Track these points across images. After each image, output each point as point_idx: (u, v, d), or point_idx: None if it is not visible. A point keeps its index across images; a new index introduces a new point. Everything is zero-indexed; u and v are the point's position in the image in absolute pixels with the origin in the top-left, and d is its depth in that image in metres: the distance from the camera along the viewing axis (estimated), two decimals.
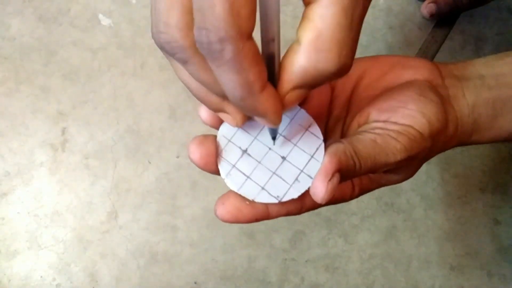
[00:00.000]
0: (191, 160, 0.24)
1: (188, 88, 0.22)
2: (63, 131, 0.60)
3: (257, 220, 0.24)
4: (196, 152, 0.24)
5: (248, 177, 0.24)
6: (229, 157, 0.24)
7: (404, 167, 0.27)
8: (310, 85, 0.20)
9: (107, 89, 0.62)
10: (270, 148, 0.24)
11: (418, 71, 0.27)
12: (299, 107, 0.26)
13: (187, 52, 0.18)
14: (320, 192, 0.22)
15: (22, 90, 0.61)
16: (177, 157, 0.60)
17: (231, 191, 0.24)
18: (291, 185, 0.24)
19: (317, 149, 0.24)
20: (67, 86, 0.61)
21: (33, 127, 0.60)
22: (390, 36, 0.65)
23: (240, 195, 0.23)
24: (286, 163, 0.24)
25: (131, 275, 0.57)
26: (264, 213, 0.24)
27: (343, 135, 0.29)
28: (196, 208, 0.59)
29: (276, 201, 0.23)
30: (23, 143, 0.59)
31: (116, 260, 0.57)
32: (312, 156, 0.24)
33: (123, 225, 0.58)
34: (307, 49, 0.18)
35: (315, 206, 0.25)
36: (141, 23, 0.64)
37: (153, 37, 0.20)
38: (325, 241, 0.59)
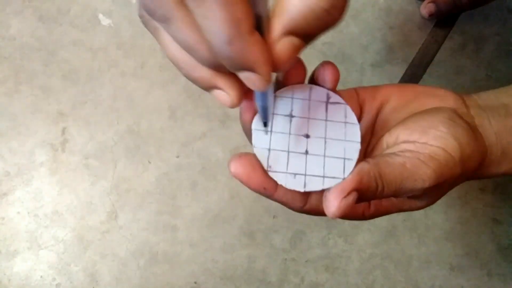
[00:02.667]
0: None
1: (177, 65, 0.20)
2: (63, 131, 0.60)
3: (264, 190, 0.23)
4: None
5: (305, 174, 0.23)
6: (279, 165, 0.23)
7: (430, 195, 0.26)
8: (304, 30, 0.18)
9: (107, 89, 0.62)
10: (307, 137, 0.24)
11: (443, 100, 0.27)
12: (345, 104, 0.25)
13: (170, 5, 0.17)
14: (332, 206, 0.21)
15: (22, 90, 0.61)
16: (177, 157, 0.60)
17: (249, 153, 0.23)
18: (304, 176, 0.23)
19: (350, 152, 0.24)
20: (67, 86, 0.61)
21: (33, 127, 0.60)
22: (390, 36, 0.65)
23: (257, 159, 0.23)
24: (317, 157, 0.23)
25: (131, 275, 0.57)
26: (272, 188, 0.23)
27: (367, 155, 0.28)
28: (196, 208, 0.59)
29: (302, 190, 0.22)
30: (23, 143, 0.59)
31: (116, 260, 0.57)
32: (344, 159, 0.23)
33: (123, 225, 0.58)
34: None
35: (317, 210, 0.25)
36: (141, 23, 0.64)
37: (140, 11, 0.19)
38: (325, 241, 0.59)
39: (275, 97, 0.24)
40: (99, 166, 0.59)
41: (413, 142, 0.24)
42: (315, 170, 0.23)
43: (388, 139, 0.26)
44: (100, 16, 0.64)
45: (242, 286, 0.57)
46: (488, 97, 0.29)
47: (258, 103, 0.22)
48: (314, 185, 0.23)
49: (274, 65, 0.18)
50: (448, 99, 0.27)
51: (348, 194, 0.21)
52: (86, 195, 0.59)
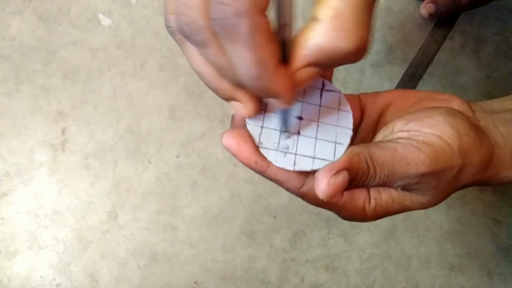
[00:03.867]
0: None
1: (200, 75, 0.21)
2: (63, 131, 0.60)
3: (255, 165, 0.23)
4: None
5: (295, 153, 0.23)
6: (270, 142, 0.23)
7: (429, 187, 0.24)
8: (324, 63, 0.19)
9: (107, 89, 0.62)
10: (300, 118, 0.24)
11: (448, 103, 0.27)
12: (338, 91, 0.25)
13: (206, 33, 0.18)
14: (321, 184, 0.21)
15: (22, 90, 0.61)
16: (177, 157, 0.60)
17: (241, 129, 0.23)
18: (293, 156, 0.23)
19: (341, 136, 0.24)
20: (67, 86, 0.61)
21: (33, 127, 0.60)
22: (390, 36, 0.65)
23: (249, 134, 0.23)
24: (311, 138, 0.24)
25: (131, 275, 0.57)
26: (264, 163, 0.23)
27: None
28: (196, 208, 0.59)
29: (291, 169, 0.23)
30: (23, 143, 0.59)
31: (116, 260, 0.57)
32: (335, 143, 0.24)
33: (123, 225, 0.58)
34: (326, 27, 0.18)
35: (315, 196, 0.24)
36: (141, 23, 0.64)
37: (167, 22, 0.20)
38: (325, 241, 0.59)
39: None
40: (99, 166, 0.59)
41: (408, 130, 0.24)
42: (306, 150, 0.23)
43: (385, 131, 0.26)
44: (100, 16, 0.64)
45: (242, 286, 0.57)
46: (493, 104, 0.29)
47: (279, 115, 0.23)
48: (303, 165, 0.23)
49: (295, 87, 0.20)
50: (453, 102, 0.27)
51: (337, 172, 0.21)
52: (86, 195, 0.59)
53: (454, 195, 0.64)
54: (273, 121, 0.23)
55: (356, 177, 0.22)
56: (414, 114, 0.25)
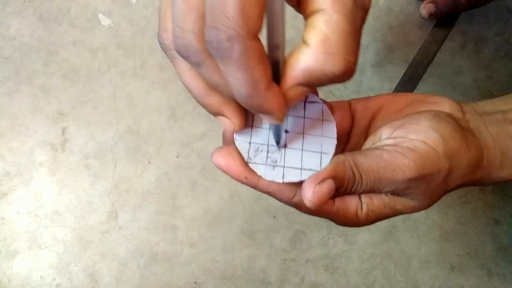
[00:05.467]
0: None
1: (189, 90, 0.23)
2: (63, 131, 0.60)
3: (246, 180, 0.24)
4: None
5: (283, 166, 0.24)
6: (258, 157, 0.25)
7: (418, 191, 0.25)
8: (313, 84, 0.20)
9: (107, 89, 0.62)
10: (286, 132, 0.25)
11: (439, 105, 0.27)
12: (322, 103, 0.26)
13: (201, 55, 0.19)
14: (307, 193, 0.22)
15: (22, 90, 0.61)
16: (177, 157, 0.60)
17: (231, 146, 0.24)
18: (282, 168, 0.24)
19: (327, 147, 0.25)
20: (67, 86, 0.61)
21: (33, 127, 0.60)
22: (390, 36, 0.65)
23: (237, 151, 0.24)
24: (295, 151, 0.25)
25: (131, 275, 0.57)
26: (254, 178, 0.24)
27: None
28: (196, 208, 0.59)
29: (280, 181, 0.24)
30: (23, 143, 0.59)
31: (116, 260, 0.57)
32: (321, 153, 0.25)
33: (123, 225, 0.58)
34: (314, 51, 0.19)
35: (309, 208, 0.25)
36: (141, 23, 0.64)
37: (160, 38, 0.21)
38: (325, 241, 0.59)
39: None
40: (99, 166, 0.59)
41: (394, 137, 0.25)
42: (294, 162, 0.24)
43: (373, 138, 0.26)
44: (100, 16, 0.64)
45: (242, 286, 0.57)
46: (485, 105, 0.29)
47: (271, 129, 0.24)
48: (292, 177, 0.24)
49: (286, 105, 0.21)
50: (443, 105, 0.27)
51: (322, 181, 0.22)
52: (86, 195, 0.59)
53: (454, 195, 0.64)
54: (260, 136, 0.25)
55: (342, 184, 0.23)
56: (401, 121, 0.25)
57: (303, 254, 0.59)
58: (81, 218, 0.58)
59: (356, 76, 0.64)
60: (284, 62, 0.20)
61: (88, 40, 0.63)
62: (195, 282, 0.57)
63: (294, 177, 0.24)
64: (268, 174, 0.24)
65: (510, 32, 0.66)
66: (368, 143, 0.27)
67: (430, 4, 0.63)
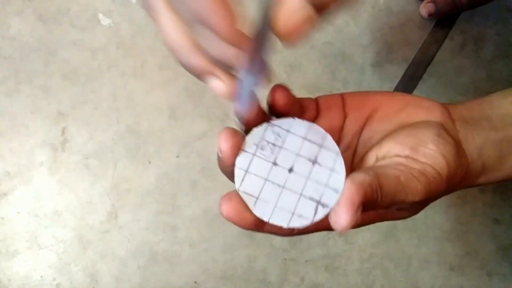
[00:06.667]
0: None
1: (174, 47, 0.21)
2: (63, 131, 0.60)
3: (255, 227, 0.24)
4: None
5: (275, 206, 0.24)
6: (250, 188, 0.24)
7: (415, 208, 0.27)
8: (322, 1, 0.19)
9: (107, 89, 0.62)
10: (289, 171, 0.24)
11: (431, 112, 0.28)
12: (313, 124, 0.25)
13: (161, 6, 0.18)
14: (343, 221, 0.21)
15: (22, 90, 0.61)
16: (177, 157, 0.60)
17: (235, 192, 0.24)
18: (293, 214, 0.24)
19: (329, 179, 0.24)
20: (67, 86, 0.61)
21: (33, 127, 0.60)
22: (390, 36, 0.65)
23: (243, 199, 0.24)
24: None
25: (131, 275, 0.57)
26: (262, 224, 0.24)
27: (354, 163, 0.29)
28: (196, 208, 0.59)
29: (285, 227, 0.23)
30: (23, 143, 0.59)
31: (116, 260, 0.57)
32: (326, 186, 0.24)
33: (123, 225, 0.58)
34: None
35: (306, 232, 0.25)
36: (141, 23, 0.64)
37: None
38: (325, 241, 0.59)
39: (271, 126, 0.25)
40: (99, 166, 0.59)
41: (405, 157, 0.25)
42: (287, 204, 0.24)
43: (378, 151, 0.26)
44: (100, 16, 0.64)
45: (242, 286, 0.57)
46: (473, 109, 0.29)
47: (244, 86, 0.22)
48: (296, 223, 0.23)
49: (288, 34, 0.19)
50: (435, 112, 0.28)
51: (358, 208, 0.21)
52: (86, 195, 0.59)
53: (454, 195, 0.64)
54: (261, 165, 0.24)
55: (366, 206, 0.23)
56: (408, 139, 0.25)
57: (303, 254, 0.59)
58: (81, 218, 0.58)
59: (356, 76, 0.64)
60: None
61: (88, 40, 0.63)
62: (195, 282, 0.57)
63: (298, 223, 0.23)
64: (259, 210, 0.24)
65: (510, 32, 0.66)
66: (372, 156, 0.26)
67: (430, 4, 0.63)
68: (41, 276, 0.56)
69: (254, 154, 0.24)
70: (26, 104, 0.61)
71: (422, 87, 0.64)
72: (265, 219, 0.23)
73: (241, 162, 0.24)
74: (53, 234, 0.57)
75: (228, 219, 0.24)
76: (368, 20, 0.65)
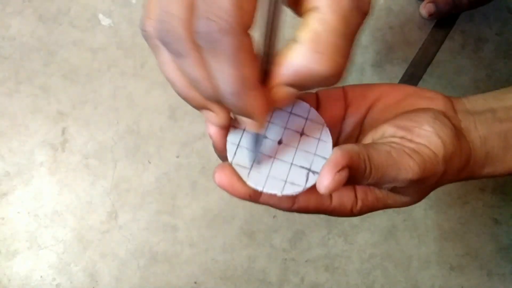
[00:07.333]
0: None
1: (172, 83, 0.22)
2: (63, 131, 0.60)
3: (249, 197, 0.24)
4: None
5: (267, 176, 0.24)
6: (242, 160, 0.25)
7: (413, 190, 0.26)
8: (300, 84, 0.19)
9: (107, 89, 0.62)
10: (279, 143, 0.25)
11: (433, 102, 0.28)
12: (309, 107, 0.26)
13: (185, 43, 0.18)
14: (326, 180, 0.21)
15: (22, 90, 0.61)
16: (177, 157, 0.60)
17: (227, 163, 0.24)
18: (285, 182, 0.24)
19: (320, 148, 0.25)
20: (67, 86, 0.61)
21: (33, 127, 0.60)
22: (390, 36, 0.65)
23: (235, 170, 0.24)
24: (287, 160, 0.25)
25: (131, 275, 0.57)
26: (257, 194, 0.24)
27: None
28: (196, 208, 0.59)
29: (279, 194, 0.24)
30: (23, 143, 0.59)
31: (116, 260, 0.57)
32: (314, 154, 0.25)
33: (123, 225, 0.58)
34: (303, 48, 0.18)
35: (306, 209, 0.25)
36: None
37: (143, 26, 0.20)
38: (325, 241, 0.59)
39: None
40: (99, 166, 0.59)
41: (400, 137, 0.25)
42: (279, 173, 0.24)
43: (374, 135, 0.26)
44: (100, 16, 0.64)
45: (242, 286, 0.57)
46: (477, 102, 0.29)
47: (248, 138, 0.24)
48: (274, 189, 0.24)
49: (270, 106, 0.20)
50: (437, 101, 0.28)
51: (342, 169, 0.21)
52: (86, 195, 0.59)
53: (454, 195, 0.64)
54: (250, 139, 0.24)
55: (353, 175, 0.23)
56: (403, 121, 0.25)
57: (303, 254, 0.59)
58: (81, 218, 0.58)
59: (356, 76, 0.64)
60: (274, 61, 0.19)
61: (88, 40, 0.63)
62: (195, 282, 0.57)
63: (277, 190, 0.24)
64: (252, 180, 0.24)
65: (510, 32, 0.66)
66: (368, 138, 0.26)
67: (430, 4, 0.63)
68: (41, 276, 0.56)
69: (244, 129, 0.25)
70: (26, 104, 0.61)
71: (422, 87, 0.64)
72: (259, 188, 0.24)
73: (232, 137, 0.25)
74: (53, 234, 0.57)
75: (221, 186, 0.24)
76: (368, 20, 0.65)
